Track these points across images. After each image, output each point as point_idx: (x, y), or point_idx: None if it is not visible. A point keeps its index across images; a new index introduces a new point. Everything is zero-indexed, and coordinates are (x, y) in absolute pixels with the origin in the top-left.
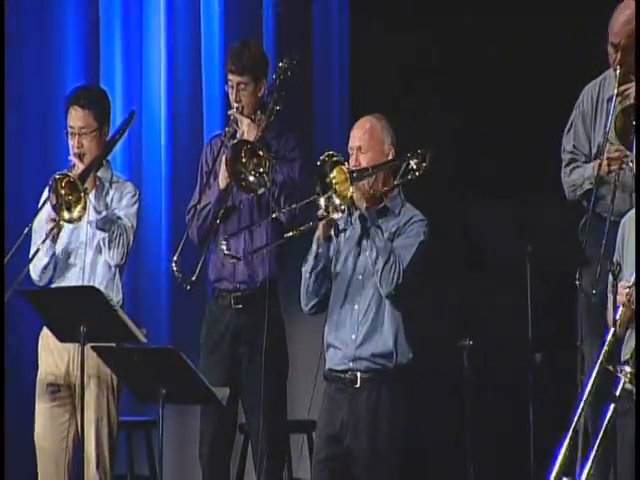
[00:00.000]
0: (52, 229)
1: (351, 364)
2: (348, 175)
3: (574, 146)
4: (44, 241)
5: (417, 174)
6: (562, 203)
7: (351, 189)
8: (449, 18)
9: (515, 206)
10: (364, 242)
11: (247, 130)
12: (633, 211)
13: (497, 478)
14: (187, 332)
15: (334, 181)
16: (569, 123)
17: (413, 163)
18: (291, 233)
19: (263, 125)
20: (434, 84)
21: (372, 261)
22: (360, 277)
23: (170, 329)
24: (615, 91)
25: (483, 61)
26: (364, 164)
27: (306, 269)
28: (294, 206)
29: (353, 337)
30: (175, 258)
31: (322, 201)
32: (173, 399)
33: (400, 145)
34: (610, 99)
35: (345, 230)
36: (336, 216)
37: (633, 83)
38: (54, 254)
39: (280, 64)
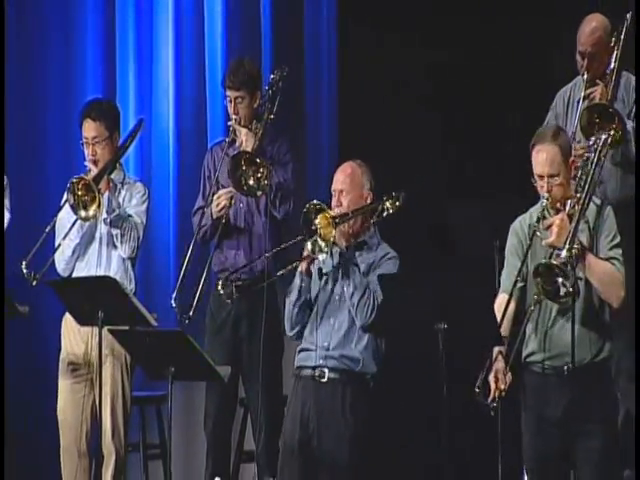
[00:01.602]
0: (71, 227)
1: (321, 361)
2: (331, 220)
3: None
4: (64, 238)
5: (391, 212)
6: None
7: (333, 232)
8: (435, 29)
9: (486, 205)
10: (343, 281)
11: (245, 139)
12: (525, 216)
13: (470, 455)
14: (193, 318)
15: (319, 226)
16: (545, 123)
17: (388, 204)
18: (282, 271)
19: (259, 133)
20: (418, 90)
21: (349, 295)
22: (337, 298)
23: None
24: (582, 94)
25: (465, 65)
26: (345, 204)
27: (291, 300)
28: (285, 244)
29: (326, 344)
30: (174, 295)
31: (309, 245)
32: (181, 376)
33: (386, 153)
34: (579, 101)
35: (327, 274)
36: (320, 257)
37: (598, 87)
38: (75, 248)
39: (272, 76)
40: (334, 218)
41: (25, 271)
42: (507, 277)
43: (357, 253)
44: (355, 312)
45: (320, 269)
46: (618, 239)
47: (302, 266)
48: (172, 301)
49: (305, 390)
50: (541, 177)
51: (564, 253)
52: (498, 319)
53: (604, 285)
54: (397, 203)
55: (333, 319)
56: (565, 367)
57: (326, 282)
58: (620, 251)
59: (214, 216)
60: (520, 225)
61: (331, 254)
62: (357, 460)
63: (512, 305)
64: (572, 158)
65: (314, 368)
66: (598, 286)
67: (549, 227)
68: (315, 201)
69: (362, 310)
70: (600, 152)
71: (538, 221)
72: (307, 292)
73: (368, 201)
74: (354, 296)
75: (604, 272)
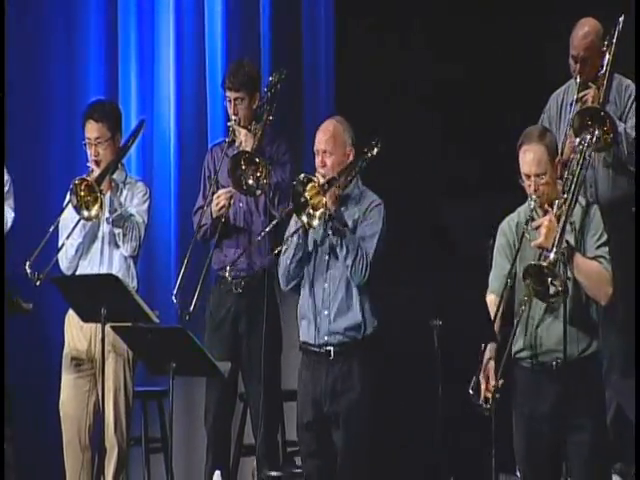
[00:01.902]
0: (74, 227)
1: (326, 338)
2: (320, 189)
3: None
4: (68, 237)
5: (371, 158)
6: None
7: (324, 200)
8: (433, 30)
9: (479, 205)
10: (335, 243)
11: (245, 139)
12: (512, 216)
13: (463, 442)
14: (194, 313)
15: (309, 197)
16: (539, 124)
17: (369, 155)
18: (279, 249)
19: (259, 134)
20: (416, 91)
21: (342, 258)
22: (326, 257)
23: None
24: (575, 97)
25: (465, 66)
26: (329, 164)
27: (287, 256)
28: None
29: (326, 313)
30: (175, 292)
31: (304, 217)
32: (181, 372)
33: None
34: (572, 104)
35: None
36: (315, 223)
37: (590, 89)
38: (79, 248)
39: (270, 78)
40: (322, 186)
41: (29, 271)
42: (496, 278)
43: (342, 209)
44: (351, 273)
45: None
46: (605, 238)
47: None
48: (173, 297)
49: (314, 364)
50: (528, 176)
51: (552, 255)
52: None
53: (592, 283)
54: (376, 149)
55: (326, 283)
56: (554, 363)
57: (317, 244)
58: (607, 249)
59: (214, 215)
60: (508, 225)
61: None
62: (371, 426)
63: (502, 305)
64: (558, 157)
65: (320, 346)
66: (586, 284)
67: (537, 228)
68: (302, 174)
69: (357, 270)
70: (584, 153)
71: (527, 222)
72: (303, 248)
73: (350, 157)
74: (348, 258)
75: (592, 271)
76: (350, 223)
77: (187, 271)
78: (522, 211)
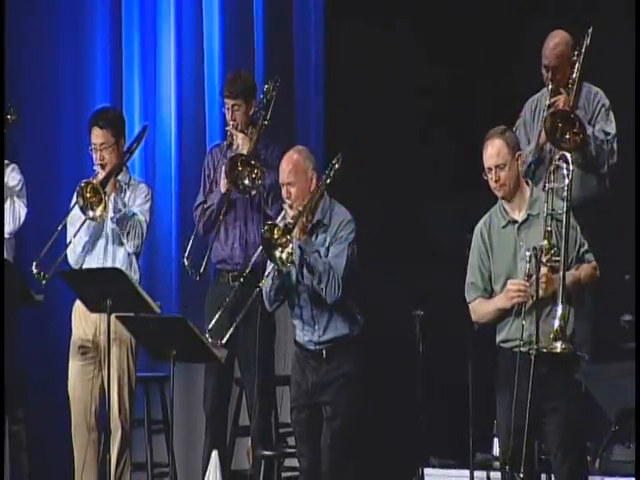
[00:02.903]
0: (81, 225)
1: (317, 346)
2: (284, 230)
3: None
4: (75, 235)
5: (334, 175)
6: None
7: (289, 237)
8: (422, 39)
9: (456, 202)
10: (306, 270)
11: (242, 143)
12: (484, 219)
13: (444, 423)
14: (193, 304)
15: (277, 240)
16: (514, 128)
17: (331, 175)
18: (262, 282)
19: (254, 138)
20: (402, 101)
21: (316, 283)
22: (308, 283)
23: (179, 302)
24: (547, 102)
25: (447, 73)
26: (294, 195)
27: (266, 287)
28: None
29: (316, 327)
30: (186, 255)
31: (277, 258)
32: (181, 358)
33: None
34: (544, 109)
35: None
36: (285, 269)
37: (561, 95)
38: (85, 245)
39: (266, 86)
40: (286, 226)
41: (35, 272)
42: (477, 280)
43: (313, 237)
44: (325, 294)
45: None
46: (583, 238)
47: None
48: (184, 260)
49: (306, 360)
50: (490, 169)
51: (559, 310)
52: (483, 321)
53: (587, 283)
54: (337, 166)
55: (312, 306)
56: (531, 351)
57: (293, 274)
58: (586, 244)
59: (222, 190)
60: (480, 229)
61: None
62: (357, 407)
63: (487, 303)
64: (519, 152)
65: (312, 349)
66: (584, 286)
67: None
68: (268, 222)
69: (329, 292)
70: (569, 216)
71: (505, 226)
72: (279, 278)
73: (314, 182)
74: (321, 282)
75: (584, 277)
76: (322, 251)
77: (190, 263)
78: (492, 212)
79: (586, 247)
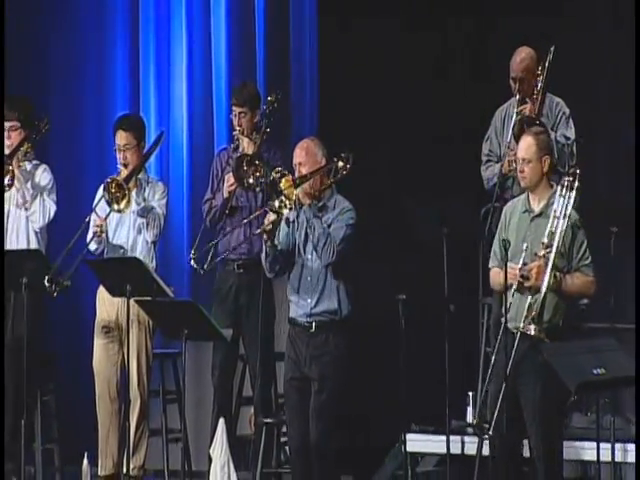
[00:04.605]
0: (105, 218)
1: (308, 318)
2: (292, 182)
3: (490, 150)
4: (100, 227)
5: (344, 173)
6: (472, 198)
7: (295, 192)
8: (415, 48)
9: (435, 201)
10: (309, 231)
11: (247, 146)
12: (515, 200)
13: (424, 394)
14: (203, 289)
15: (283, 187)
16: (487, 134)
17: (340, 165)
18: (259, 230)
19: (258, 142)
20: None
21: (315, 243)
22: (309, 257)
23: (190, 287)
24: (515, 111)
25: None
26: (304, 172)
27: (262, 257)
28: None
29: (309, 300)
30: (193, 252)
31: (276, 202)
32: (192, 337)
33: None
34: (512, 117)
35: (294, 222)
36: (285, 212)
37: (528, 104)
38: (108, 235)
39: (269, 98)
40: (295, 180)
41: (47, 285)
42: (496, 252)
43: (320, 214)
44: (320, 254)
45: (287, 218)
46: (588, 253)
47: (266, 227)
48: (191, 255)
49: (298, 336)
50: (518, 161)
51: (540, 298)
52: (495, 289)
53: (579, 293)
54: (348, 164)
55: (309, 277)
56: (515, 330)
57: (298, 246)
58: (589, 258)
59: (225, 195)
60: (508, 206)
61: (297, 215)
62: (343, 382)
63: (501, 274)
64: (547, 155)
65: (303, 323)
66: (575, 296)
67: (530, 270)
68: (278, 168)
69: (325, 252)
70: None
71: (525, 211)
72: (275, 250)
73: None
74: (319, 242)
75: (577, 285)
76: (325, 225)
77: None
78: (523, 197)
79: (587, 262)
